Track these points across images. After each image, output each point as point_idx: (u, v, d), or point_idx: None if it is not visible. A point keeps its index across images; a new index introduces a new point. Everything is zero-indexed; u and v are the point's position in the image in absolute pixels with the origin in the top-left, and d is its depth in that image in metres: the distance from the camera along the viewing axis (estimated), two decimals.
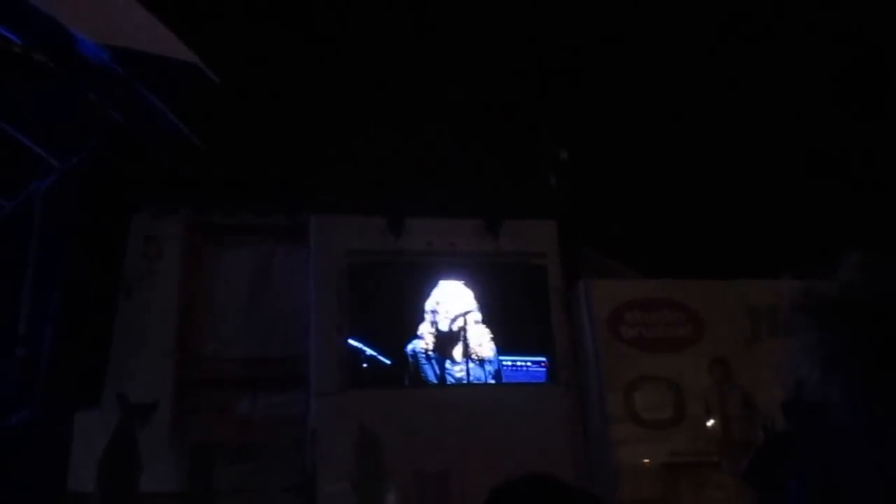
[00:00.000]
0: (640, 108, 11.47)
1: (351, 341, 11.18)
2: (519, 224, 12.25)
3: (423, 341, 11.49)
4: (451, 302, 11.71)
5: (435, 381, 11.38)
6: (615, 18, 10.44)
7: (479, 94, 11.12)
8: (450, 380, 11.39)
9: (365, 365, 11.20)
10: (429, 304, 11.67)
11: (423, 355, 11.42)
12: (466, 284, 11.85)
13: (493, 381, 11.53)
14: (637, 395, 11.35)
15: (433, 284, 11.77)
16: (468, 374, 11.44)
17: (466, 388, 11.40)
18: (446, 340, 11.55)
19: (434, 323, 11.59)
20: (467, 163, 11.62)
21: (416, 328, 11.56)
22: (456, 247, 11.95)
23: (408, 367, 11.38)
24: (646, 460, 10.95)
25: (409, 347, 11.45)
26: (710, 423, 11.02)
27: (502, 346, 11.73)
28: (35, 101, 7.12)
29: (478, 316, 11.71)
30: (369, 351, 11.26)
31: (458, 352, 11.53)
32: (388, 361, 11.33)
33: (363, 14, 10.21)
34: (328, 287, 11.39)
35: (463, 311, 11.66)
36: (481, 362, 11.55)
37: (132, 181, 10.99)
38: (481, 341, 11.60)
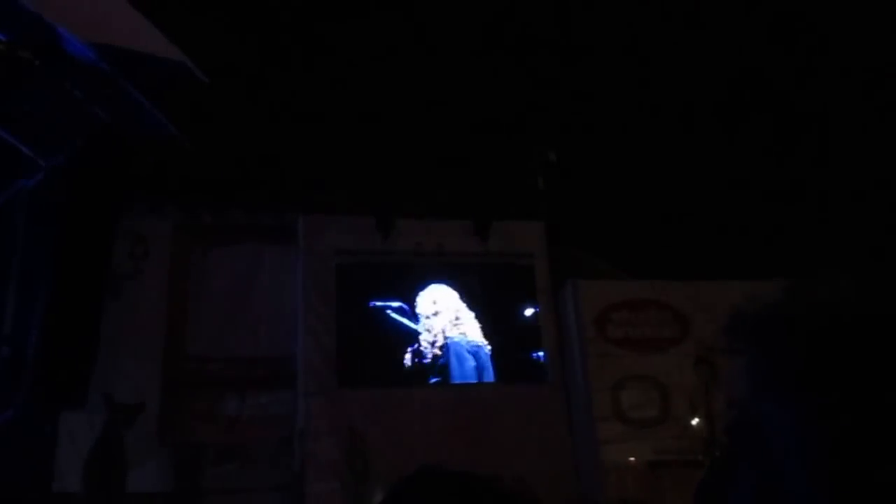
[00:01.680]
0: (628, 109, 11.49)
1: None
2: (507, 225, 12.30)
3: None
4: (440, 303, 11.75)
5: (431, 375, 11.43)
6: (602, 18, 10.46)
7: (468, 96, 11.12)
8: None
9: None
10: (419, 305, 11.71)
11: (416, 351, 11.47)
12: (454, 285, 11.88)
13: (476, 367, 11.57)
14: (623, 395, 11.45)
15: (422, 285, 11.81)
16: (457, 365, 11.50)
17: (454, 387, 11.44)
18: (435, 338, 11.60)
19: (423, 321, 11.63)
20: (456, 164, 11.63)
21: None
22: (444, 247, 11.98)
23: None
24: (631, 459, 11.03)
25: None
26: (695, 422, 11.07)
27: (489, 345, 11.76)
28: (20, 98, 7.11)
29: (466, 313, 11.75)
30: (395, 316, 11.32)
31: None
32: (414, 326, 11.41)
33: (350, 14, 10.22)
34: (316, 287, 11.40)
35: (450, 311, 11.70)
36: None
37: (119, 180, 10.99)
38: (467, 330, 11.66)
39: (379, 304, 11.49)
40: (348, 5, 10.28)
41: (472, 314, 11.81)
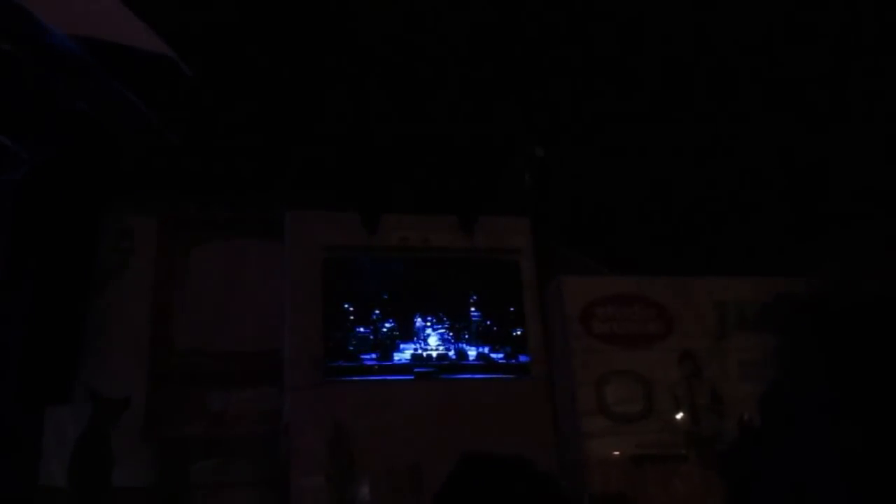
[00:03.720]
0: (614, 104, 11.51)
1: None
2: (493, 220, 12.32)
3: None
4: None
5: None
6: (589, 14, 10.47)
7: (454, 91, 11.13)
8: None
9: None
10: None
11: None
12: (440, 279, 11.93)
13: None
14: (608, 389, 11.49)
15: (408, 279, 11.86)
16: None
17: (439, 381, 11.47)
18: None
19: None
20: (442, 159, 11.66)
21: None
22: (430, 243, 12.01)
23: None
24: (615, 453, 11.09)
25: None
26: (679, 416, 11.13)
27: (475, 341, 11.81)
28: (2, 91, 7.08)
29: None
30: None
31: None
32: None
33: (338, 8, 10.22)
34: (302, 282, 11.42)
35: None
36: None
37: (104, 174, 10.98)
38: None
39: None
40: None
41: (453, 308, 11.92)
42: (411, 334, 11.70)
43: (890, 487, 0.88)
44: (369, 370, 11.38)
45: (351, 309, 11.59)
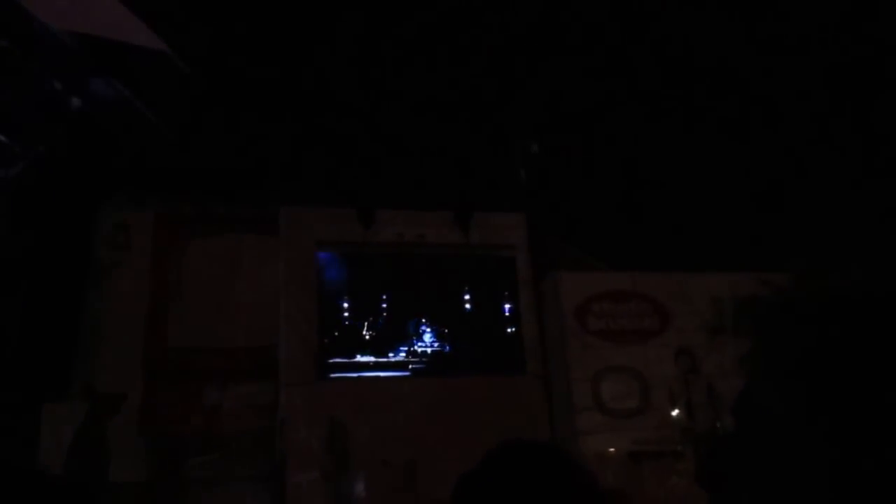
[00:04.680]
0: (608, 100, 11.50)
1: None
2: (489, 216, 12.33)
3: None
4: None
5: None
6: (584, 7, 10.47)
7: (451, 87, 11.12)
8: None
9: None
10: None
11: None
12: (435, 275, 11.95)
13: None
14: (604, 385, 11.49)
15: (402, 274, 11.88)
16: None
17: (434, 377, 11.48)
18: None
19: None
20: (438, 155, 11.65)
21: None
22: (425, 239, 12.01)
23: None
24: (611, 449, 11.09)
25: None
26: (675, 412, 11.12)
27: (470, 337, 11.84)
28: None
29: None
30: None
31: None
32: None
33: (331, 6, 10.20)
34: (297, 277, 11.42)
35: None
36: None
37: (99, 170, 10.99)
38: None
39: None
40: None
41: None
42: (407, 331, 11.71)
43: (869, 487, 0.87)
44: (365, 367, 11.38)
45: (346, 305, 11.60)
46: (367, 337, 11.52)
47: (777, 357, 1.06)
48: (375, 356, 11.45)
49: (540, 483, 1.69)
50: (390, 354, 11.52)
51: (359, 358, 11.40)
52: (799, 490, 1.00)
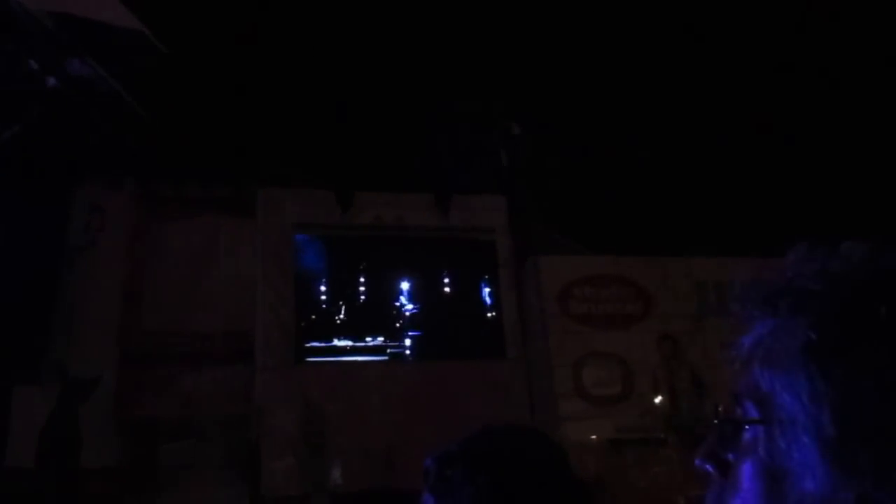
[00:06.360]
0: (592, 82, 11.41)
1: None
2: (468, 199, 12.20)
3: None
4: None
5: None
6: None
7: (430, 67, 11.01)
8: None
9: None
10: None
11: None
12: (414, 258, 11.85)
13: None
14: (585, 371, 11.38)
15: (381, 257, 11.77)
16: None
17: (412, 361, 11.40)
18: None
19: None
20: (417, 136, 11.55)
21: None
22: (404, 221, 11.89)
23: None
24: (593, 436, 11.00)
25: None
26: (658, 399, 11.08)
27: (449, 322, 11.74)
28: None
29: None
30: None
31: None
32: None
33: None
34: (274, 260, 11.30)
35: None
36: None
37: (74, 150, 10.82)
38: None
39: None
40: None
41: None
42: (385, 314, 11.60)
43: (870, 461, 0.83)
44: (342, 351, 11.27)
45: (323, 288, 11.49)
46: (345, 320, 11.41)
47: (785, 342, 1.00)
48: (353, 340, 11.33)
49: (522, 463, 1.70)
50: (368, 338, 11.40)
51: (336, 342, 11.28)
52: (800, 474, 0.95)
